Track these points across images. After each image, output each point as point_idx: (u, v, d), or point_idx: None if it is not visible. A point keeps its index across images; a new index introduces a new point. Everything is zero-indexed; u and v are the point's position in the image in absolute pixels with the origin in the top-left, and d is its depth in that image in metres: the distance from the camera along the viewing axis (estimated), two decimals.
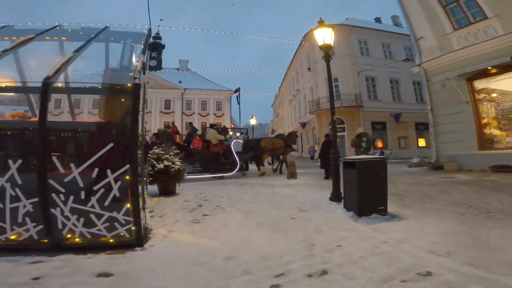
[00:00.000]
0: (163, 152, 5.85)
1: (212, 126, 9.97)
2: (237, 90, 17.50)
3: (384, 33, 23.30)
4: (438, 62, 9.61)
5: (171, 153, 5.94)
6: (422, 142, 21.37)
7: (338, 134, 14.15)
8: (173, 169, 5.66)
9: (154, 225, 3.50)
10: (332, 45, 5.47)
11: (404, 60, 18.08)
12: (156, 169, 5.60)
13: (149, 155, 5.84)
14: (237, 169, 9.37)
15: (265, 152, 10.07)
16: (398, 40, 23.13)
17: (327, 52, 5.31)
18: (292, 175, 7.99)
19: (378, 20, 28.20)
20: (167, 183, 5.80)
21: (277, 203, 4.62)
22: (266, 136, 12.27)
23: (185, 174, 6.11)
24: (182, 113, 36.90)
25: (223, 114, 38.22)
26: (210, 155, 9.08)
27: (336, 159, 4.70)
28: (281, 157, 10.58)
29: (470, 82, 8.70)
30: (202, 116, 37.50)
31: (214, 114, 37.93)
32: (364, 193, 3.53)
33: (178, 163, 5.86)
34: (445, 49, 9.42)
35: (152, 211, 4.32)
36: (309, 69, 22.91)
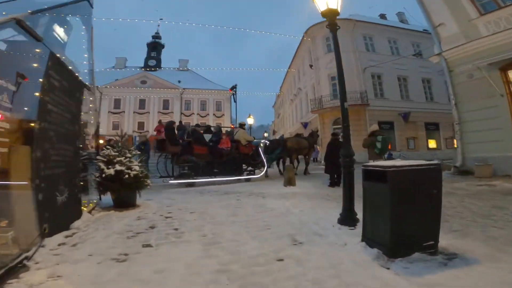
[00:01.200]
0: (117, 153, 4.42)
1: (241, 125, 9.51)
2: (234, 87, 16.10)
3: (390, 29, 21.83)
4: (463, 50, 8.13)
5: (128, 155, 4.52)
6: (432, 144, 19.81)
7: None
8: (127, 176, 4.22)
9: (44, 261, 2.10)
10: (338, 11, 3.96)
11: (414, 55, 16.51)
12: (104, 175, 4.17)
13: (99, 157, 4.44)
14: (265, 170, 9.04)
15: (292, 153, 9.69)
16: (405, 36, 21.66)
17: (332, 20, 3.81)
18: (290, 182, 6.53)
19: (383, 16, 26.71)
20: (122, 193, 4.36)
21: (261, 227, 3.16)
22: (291, 136, 11.63)
23: (148, 181, 4.67)
24: (181, 113, 35.63)
25: (223, 114, 36.88)
26: (240, 156, 8.54)
27: (349, 165, 3.22)
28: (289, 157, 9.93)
29: (504, 71, 7.20)
30: (202, 116, 36.20)
31: (214, 114, 36.65)
32: (403, 221, 2.08)
33: (137, 167, 4.43)
34: (470, 35, 7.97)
35: (75, 233, 2.91)
36: (311, 66, 21.45)
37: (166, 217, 3.73)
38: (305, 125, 22.15)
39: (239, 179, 8.17)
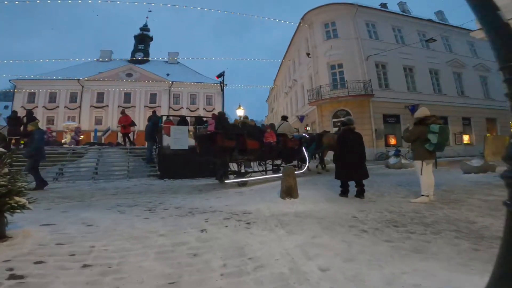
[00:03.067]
0: None
1: (284, 118, 8.73)
2: (221, 74, 13.84)
3: (394, 16, 19.86)
4: None
5: None
6: None
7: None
8: None
9: None
10: None
11: (428, 40, 14.46)
12: None
13: None
14: (306, 166, 8.42)
15: (327, 149, 9.04)
16: (410, 24, 19.72)
17: None
18: (290, 192, 4.34)
19: (384, 6, 24.68)
20: None
21: None
22: (327, 132, 10.45)
23: (21, 200, 2.42)
24: (169, 107, 33.14)
25: (214, 108, 34.42)
26: (287, 151, 7.85)
27: None
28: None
29: None
30: (191, 110, 33.73)
31: (204, 108, 34.22)
32: None
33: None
34: None
35: None
36: (308, 54, 19.29)
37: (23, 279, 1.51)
38: (301, 118, 20.02)
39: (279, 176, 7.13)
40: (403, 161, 9.11)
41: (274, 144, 7.25)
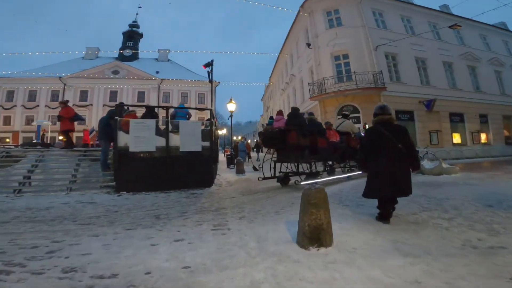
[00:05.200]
0: None
1: (345, 116, 8.21)
2: (209, 64, 11.56)
3: (403, 5, 17.72)
4: None
5: None
6: (456, 138, 15.89)
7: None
8: None
9: None
10: None
11: (452, 26, 12.33)
12: None
13: None
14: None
15: None
16: (419, 15, 17.65)
17: None
18: (318, 237, 2.04)
19: None
20: None
21: None
22: None
23: None
24: (159, 105, 30.66)
25: (206, 107, 32.12)
26: (350, 150, 7.17)
27: None
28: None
29: None
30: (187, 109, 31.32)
31: (196, 107, 31.82)
32: None
33: None
34: None
35: None
36: (308, 45, 17.06)
37: None
38: None
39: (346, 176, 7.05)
40: (443, 165, 6.89)
41: (339, 144, 6.74)
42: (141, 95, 30.86)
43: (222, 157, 20.31)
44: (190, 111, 7.97)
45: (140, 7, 42.79)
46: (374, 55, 14.59)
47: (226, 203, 4.37)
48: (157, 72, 32.62)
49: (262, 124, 42.95)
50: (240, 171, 9.09)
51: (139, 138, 5.61)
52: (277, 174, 6.23)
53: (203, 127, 7.03)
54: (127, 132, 5.66)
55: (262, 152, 18.64)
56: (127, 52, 36.14)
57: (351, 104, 14.24)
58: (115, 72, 31.30)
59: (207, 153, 6.42)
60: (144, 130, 5.70)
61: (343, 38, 15.38)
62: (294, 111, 6.01)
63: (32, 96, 29.74)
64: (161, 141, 5.87)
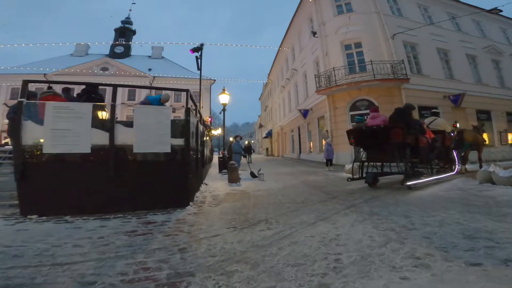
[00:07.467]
0: None
1: (436, 114, 7.38)
2: (198, 48, 9.31)
3: None
4: None
5: None
6: (484, 137, 13.73)
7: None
8: None
9: None
10: None
11: (491, 10, 10.21)
12: None
13: None
14: (457, 169, 7.32)
15: (469, 148, 8.01)
16: (438, 4, 15.54)
17: None
18: None
19: None
20: None
21: None
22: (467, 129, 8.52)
23: None
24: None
25: (202, 107, 29.85)
26: (445, 149, 6.79)
27: None
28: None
29: None
30: (176, 109, 29.08)
31: (190, 106, 29.58)
32: None
33: None
34: None
35: None
36: (314, 33, 14.91)
37: None
38: (304, 113, 15.62)
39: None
40: None
41: (435, 142, 6.23)
42: (132, 93, 28.55)
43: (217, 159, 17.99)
44: (168, 94, 5.65)
45: (134, 3, 40.59)
46: (391, 43, 12.44)
47: (200, 253, 2.09)
48: (150, 70, 30.44)
49: (260, 124, 40.63)
50: (233, 180, 6.84)
51: (61, 132, 3.33)
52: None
53: (176, 117, 4.79)
54: (42, 122, 3.37)
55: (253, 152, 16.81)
56: (119, 49, 33.98)
57: (366, 98, 12.05)
58: (104, 69, 29.13)
59: (180, 156, 4.15)
60: (71, 119, 3.41)
61: (354, 25, 13.23)
62: (407, 108, 5.70)
63: (14, 94, 27.40)
64: (101, 137, 3.58)
